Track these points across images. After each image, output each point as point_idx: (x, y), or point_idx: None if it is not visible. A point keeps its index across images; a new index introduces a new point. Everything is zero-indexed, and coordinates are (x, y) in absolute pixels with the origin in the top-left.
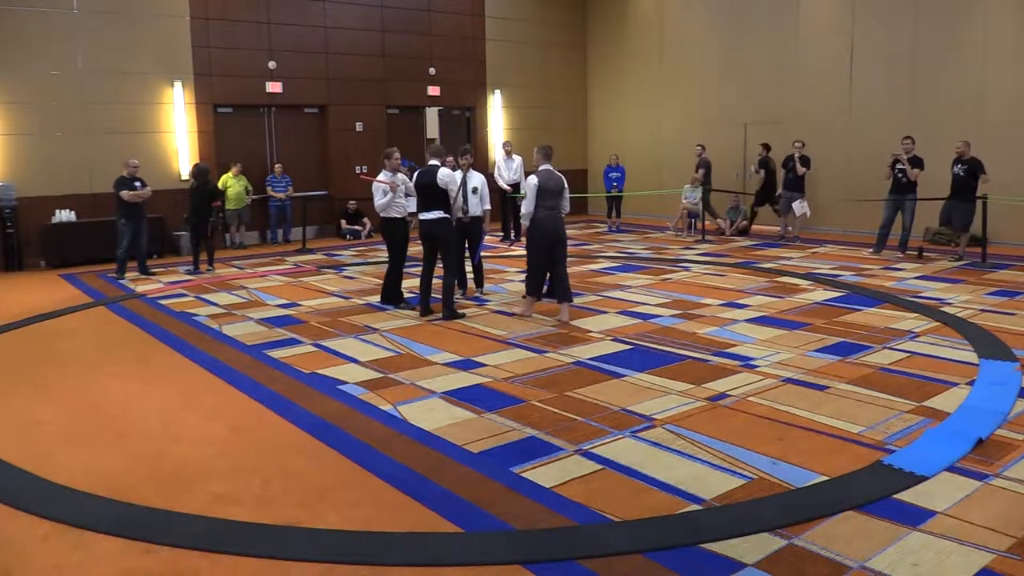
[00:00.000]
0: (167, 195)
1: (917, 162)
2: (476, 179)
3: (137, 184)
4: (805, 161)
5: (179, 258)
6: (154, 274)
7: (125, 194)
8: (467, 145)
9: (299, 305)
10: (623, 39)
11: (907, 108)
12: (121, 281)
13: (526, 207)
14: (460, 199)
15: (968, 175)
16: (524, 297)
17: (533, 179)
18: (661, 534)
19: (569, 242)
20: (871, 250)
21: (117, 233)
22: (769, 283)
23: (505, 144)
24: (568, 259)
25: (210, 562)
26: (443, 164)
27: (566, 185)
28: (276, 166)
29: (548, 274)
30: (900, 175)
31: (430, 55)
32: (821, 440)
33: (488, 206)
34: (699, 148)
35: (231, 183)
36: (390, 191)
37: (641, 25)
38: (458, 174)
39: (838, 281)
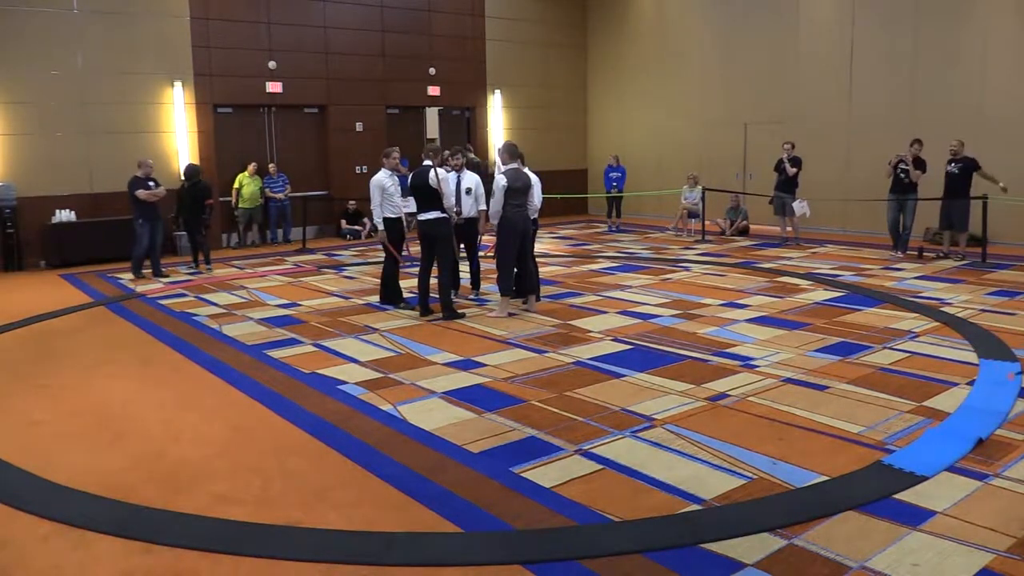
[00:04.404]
0: (167, 195)
1: (920, 164)
2: (469, 179)
3: (151, 184)
4: (796, 162)
5: (179, 258)
6: (167, 276)
7: (141, 193)
8: (461, 145)
9: (299, 305)
10: (623, 39)
11: (907, 108)
12: (122, 281)
13: (494, 206)
14: (452, 200)
15: (963, 173)
16: (502, 298)
17: (502, 179)
18: (661, 534)
19: (569, 242)
20: (895, 251)
21: (134, 234)
22: (769, 283)
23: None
24: (564, 258)
25: (210, 562)
26: (439, 165)
27: (535, 183)
28: (270, 166)
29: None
30: (903, 175)
31: (430, 55)
32: (821, 440)
33: (483, 206)
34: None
35: (246, 182)
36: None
37: (641, 25)
38: (453, 175)
39: (838, 281)
